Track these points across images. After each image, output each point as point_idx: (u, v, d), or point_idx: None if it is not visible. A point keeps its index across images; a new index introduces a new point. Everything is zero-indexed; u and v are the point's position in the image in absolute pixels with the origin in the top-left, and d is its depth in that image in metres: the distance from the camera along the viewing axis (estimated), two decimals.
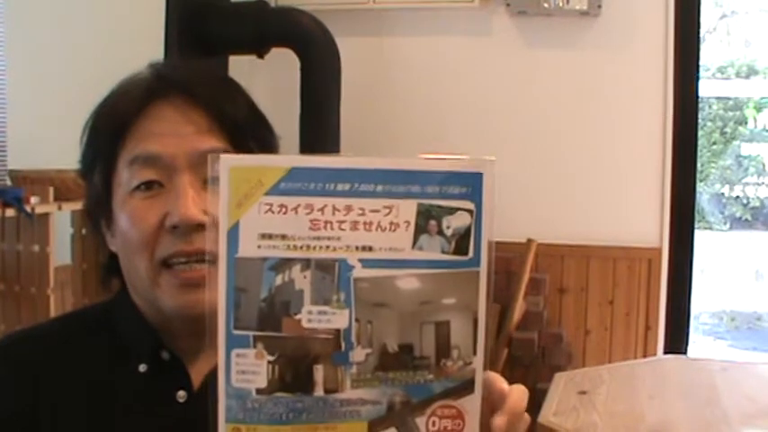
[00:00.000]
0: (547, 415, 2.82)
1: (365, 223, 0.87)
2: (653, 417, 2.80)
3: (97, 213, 1.23)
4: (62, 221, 3.35)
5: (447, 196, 0.89)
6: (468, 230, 0.90)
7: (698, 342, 7.50)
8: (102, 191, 1.20)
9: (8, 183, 3.28)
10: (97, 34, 3.81)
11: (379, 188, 0.87)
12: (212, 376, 0.87)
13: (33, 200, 3.07)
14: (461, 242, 0.90)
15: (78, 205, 3.29)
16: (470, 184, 0.89)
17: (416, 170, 0.89)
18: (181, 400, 1.18)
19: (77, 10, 3.73)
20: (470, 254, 0.90)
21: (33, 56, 3.49)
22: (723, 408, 2.86)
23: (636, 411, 2.87)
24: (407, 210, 0.88)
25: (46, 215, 3.13)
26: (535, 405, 2.77)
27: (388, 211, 0.88)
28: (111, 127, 1.18)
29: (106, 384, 1.19)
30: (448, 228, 0.89)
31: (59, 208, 3.20)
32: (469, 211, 0.90)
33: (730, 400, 2.93)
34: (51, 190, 3.16)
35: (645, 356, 4.40)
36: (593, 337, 4.56)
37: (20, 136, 3.44)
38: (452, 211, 0.89)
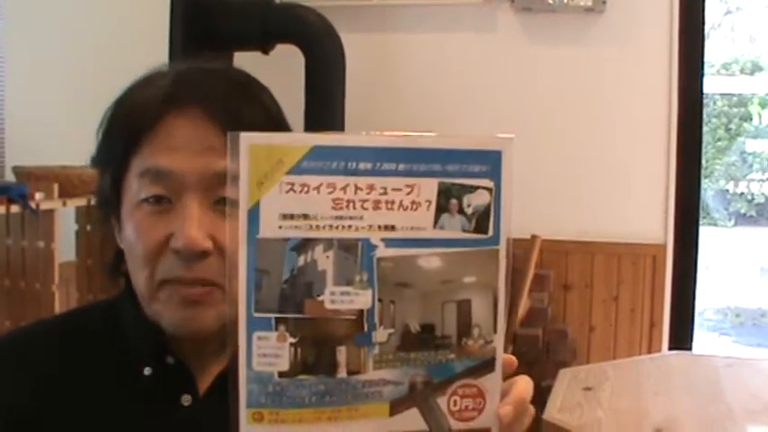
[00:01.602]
0: (552, 411, 2.82)
1: (387, 202, 0.86)
2: (658, 413, 2.80)
3: (107, 210, 1.22)
4: (67, 217, 3.36)
5: (467, 174, 0.89)
6: (487, 209, 0.90)
7: (702, 338, 7.50)
8: (112, 194, 1.18)
9: (13, 179, 3.28)
10: (101, 30, 3.81)
11: (401, 167, 0.87)
12: (232, 362, 0.85)
13: (38, 196, 3.07)
14: (481, 220, 0.90)
15: (83, 201, 3.30)
16: (490, 162, 0.90)
17: (437, 148, 0.89)
18: (186, 404, 1.17)
19: (81, 7, 3.74)
20: (490, 232, 0.90)
21: (36, 52, 3.49)
22: (728, 404, 2.86)
23: (640, 407, 2.87)
24: (428, 188, 0.87)
25: (50, 211, 3.14)
26: (540, 401, 2.77)
27: (409, 189, 0.87)
28: (125, 133, 1.15)
29: (109, 385, 1.18)
30: (468, 206, 0.89)
31: (64, 204, 3.20)
32: (489, 189, 0.90)
33: (735, 397, 2.93)
34: (56, 186, 3.17)
35: (649, 353, 4.39)
36: (598, 334, 4.55)
37: (22, 132, 3.45)
38: (473, 189, 0.89)
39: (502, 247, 0.91)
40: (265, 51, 4.14)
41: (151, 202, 1.13)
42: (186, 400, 1.17)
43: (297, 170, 0.84)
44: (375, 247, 0.86)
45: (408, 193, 0.87)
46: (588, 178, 4.51)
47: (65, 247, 3.29)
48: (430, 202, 0.88)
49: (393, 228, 0.86)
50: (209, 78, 1.20)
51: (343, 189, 0.85)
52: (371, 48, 4.62)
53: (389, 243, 0.86)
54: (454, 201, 0.88)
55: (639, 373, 3.35)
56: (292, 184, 0.84)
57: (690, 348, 4.56)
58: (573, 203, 4.53)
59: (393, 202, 0.86)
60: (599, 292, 4.54)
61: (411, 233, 0.87)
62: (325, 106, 4.08)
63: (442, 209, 0.88)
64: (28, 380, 1.17)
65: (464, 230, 0.89)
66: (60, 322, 1.32)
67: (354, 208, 0.85)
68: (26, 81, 3.45)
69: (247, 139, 0.84)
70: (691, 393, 3.06)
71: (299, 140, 0.85)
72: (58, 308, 3.17)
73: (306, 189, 0.84)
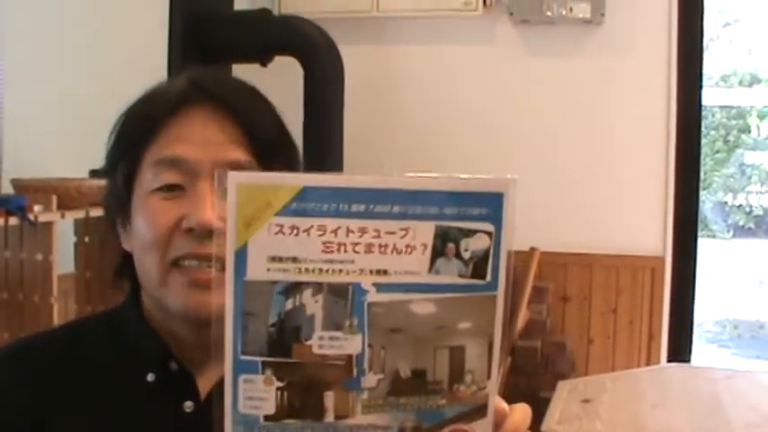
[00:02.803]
0: (550, 423, 2.82)
1: (380, 246, 0.82)
2: (656, 425, 2.80)
3: (115, 211, 1.23)
4: (65, 230, 3.35)
5: (466, 218, 0.85)
6: (486, 253, 0.86)
7: (701, 350, 7.49)
8: (123, 189, 1.20)
9: (11, 191, 3.28)
10: (100, 43, 3.81)
11: (396, 209, 0.82)
12: (217, 394, 0.84)
13: (36, 208, 3.07)
14: (479, 265, 0.86)
15: (81, 213, 3.29)
16: (491, 204, 0.86)
17: (435, 190, 0.84)
18: (188, 410, 1.17)
19: (80, 19, 3.74)
20: (488, 277, 0.86)
21: (34, 64, 3.49)
22: (726, 416, 2.86)
23: (639, 420, 2.87)
24: (425, 232, 0.84)
25: (49, 223, 3.13)
26: (538, 413, 2.76)
27: (404, 233, 0.83)
28: (140, 128, 1.18)
29: (112, 393, 1.18)
30: (466, 251, 0.85)
31: (62, 216, 3.20)
32: (489, 233, 0.86)
33: (733, 409, 2.93)
34: (54, 198, 3.16)
35: (648, 365, 4.40)
36: (597, 346, 4.55)
37: (21, 144, 3.45)
38: (471, 233, 0.85)
39: (500, 293, 0.87)
40: (264, 63, 4.15)
41: (164, 190, 1.15)
42: (188, 406, 1.18)
43: (286, 211, 0.81)
44: (366, 291, 0.83)
45: (403, 237, 0.83)
46: (587, 190, 4.52)
47: (63, 259, 3.28)
48: (425, 245, 0.84)
49: (385, 272, 0.83)
50: (224, 79, 1.26)
51: (335, 232, 0.82)
52: (370, 60, 4.63)
53: (381, 288, 0.83)
54: (451, 245, 0.84)
55: (638, 385, 3.35)
56: (281, 226, 0.81)
57: (688, 360, 4.56)
58: (572, 215, 4.53)
59: (386, 246, 0.83)
60: (598, 304, 4.54)
61: (404, 278, 0.84)
62: (323, 118, 4.09)
63: (438, 253, 0.84)
64: (30, 386, 1.18)
65: (460, 275, 0.85)
66: (62, 331, 1.32)
67: (345, 251, 0.82)
68: (24, 93, 3.45)
69: (235, 177, 0.81)
70: (689, 406, 3.06)
71: (290, 180, 0.82)
72: (56, 320, 3.16)
73: (295, 231, 0.81)
